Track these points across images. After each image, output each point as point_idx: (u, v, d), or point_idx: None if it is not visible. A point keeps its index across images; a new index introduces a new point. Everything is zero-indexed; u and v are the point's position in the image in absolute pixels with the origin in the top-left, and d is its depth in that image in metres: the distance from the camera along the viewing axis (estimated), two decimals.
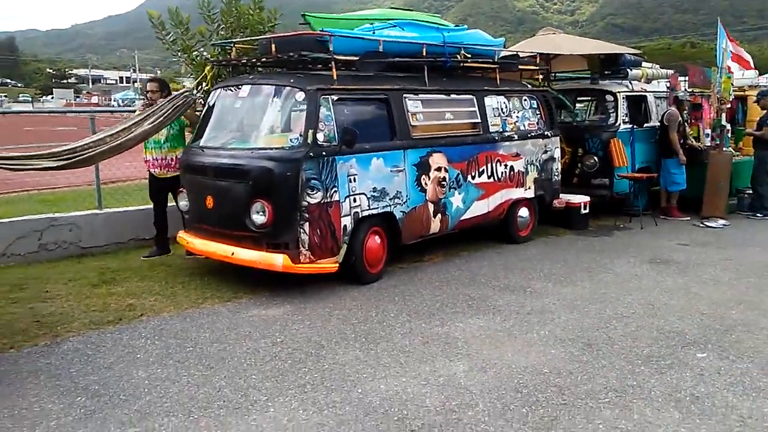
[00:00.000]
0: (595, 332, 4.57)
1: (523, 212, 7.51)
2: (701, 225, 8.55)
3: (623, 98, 8.90)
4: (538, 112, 7.72)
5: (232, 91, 5.99)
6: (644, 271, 6.25)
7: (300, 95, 5.41)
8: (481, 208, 6.93)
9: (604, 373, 3.89)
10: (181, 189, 6.06)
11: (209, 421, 3.30)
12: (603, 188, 8.76)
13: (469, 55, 6.84)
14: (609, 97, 8.98)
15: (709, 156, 9.03)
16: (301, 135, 5.28)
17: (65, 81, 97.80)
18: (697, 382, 3.77)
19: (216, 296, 5.38)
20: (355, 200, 5.57)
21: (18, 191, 10.94)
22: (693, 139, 9.37)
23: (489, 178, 6.96)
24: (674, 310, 5.05)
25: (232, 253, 5.41)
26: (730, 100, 9.61)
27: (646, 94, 9.46)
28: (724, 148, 9.16)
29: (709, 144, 9.39)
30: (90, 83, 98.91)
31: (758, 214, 9.10)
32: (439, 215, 6.44)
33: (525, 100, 7.60)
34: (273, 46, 5.70)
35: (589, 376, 3.83)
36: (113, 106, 50.76)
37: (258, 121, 5.77)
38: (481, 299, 5.32)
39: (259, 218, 5.24)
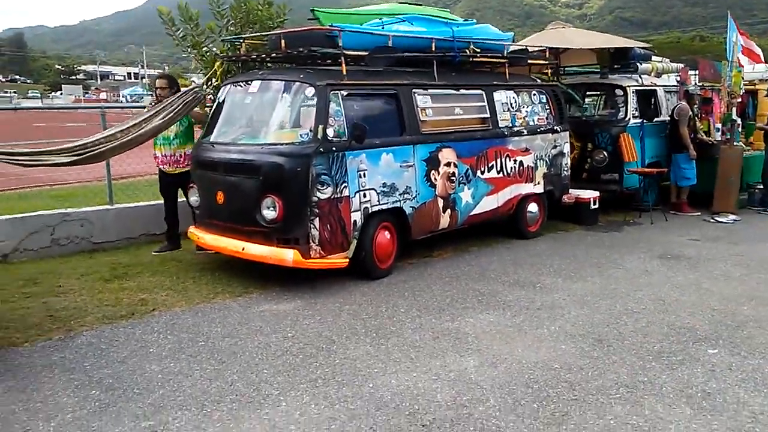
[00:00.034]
0: (605, 328, 4.57)
1: (533, 207, 7.50)
2: (712, 220, 8.51)
3: (633, 92, 8.87)
4: (547, 107, 7.70)
5: (242, 86, 6.01)
6: (654, 266, 6.23)
7: (310, 91, 5.42)
8: (490, 203, 6.93)
9: (614, 368, 3.89)
10: (191, 184, 6.09)
11: (222, 415, 3.33)
12: (613, 183, 8.74)
13: (479, 50, 6.83)
14: (619, 92, 8.94)
15: (720, 151, 8.98)
16: (311, 130, 5.30)
17: (74, 77, 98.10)
18: (709, 378, 3.77)
19: (227, 291, 5.41)
20: (365, 195, 5.58)
21: (31, 186, 11.01)
22: (703, 134, 9.32)
23: (498, 173, 6.95)
24: (685, 306, 5.04)
25: (243, 249, 5.44)
26: (741, 94, 9.55)
27: (656, 88, 9.41)
28: (734, 143, 9.11)
29: (719, 138, 9.34)
30: (98, 79, 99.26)
31: None
32: (449, 210, 6.44)
33: (534, 94, 7.58)
34: (282, 41, 5.72)
35: (599, 372, 3.84)
36: (121, 102, 50.93)
37: (268, 117, 5.78)
38: (491, 294, 5.33)
39: (269, 213, 5.26)
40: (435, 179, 6.23)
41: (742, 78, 9.50)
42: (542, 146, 7.52)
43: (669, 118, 9.12)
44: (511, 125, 7.12)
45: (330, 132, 5.33)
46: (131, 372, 3.83)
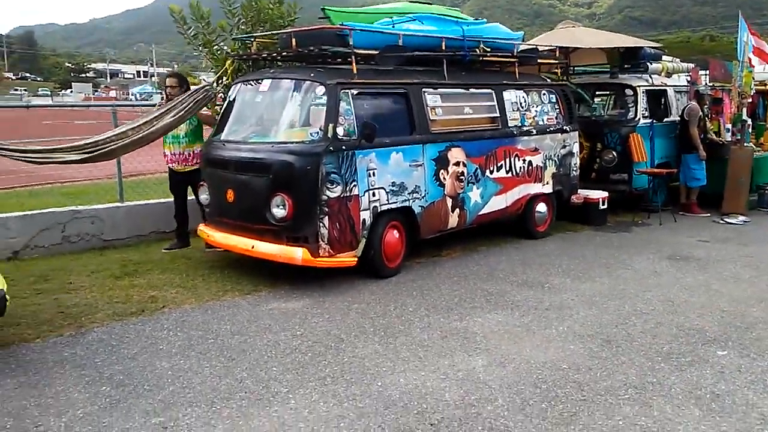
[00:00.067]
0: (614, 328, 4.57)
1: (541, 207, 7.49)
2: (721, 221, 8.47)
3: (643, 92, 8.83)
4: (556, 107, 7.69)
5: (252, 85, 6.04)
6: (663, 267, 6.22)
7: (320, 89, 5.44)
8: (499, 203, 6.92)
9: (623, 369, 3.88)
10: (202, 182, 6.12)
11: (231, 412, 3.35)
12: (622, 183, 8.71)
13: (489, 49, 6.83)
14: (629, 91, 8.91)
15: (730, 151, 8.94)
16: (321, 129, 5.31)
17: (84, 75, 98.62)
18: (718, 379, 3.76)
19: (236, 289, 5.43)
20: (374, 194, 5.59)
21: (41, 184, 11.09)
22: (713, 134, 9.28)
23: (507, 172, 6.95)
24: (694, 307, 5.02)
25: (253, 247, 5.46)
26: (751, 94, 9.50)
27: (666, 88, 9.38)
28: (744, 144, 9.06)
29: (729, 139, 9.29)
30: (108, 77, 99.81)
31: None
32: (458, 210, 6.44)
33: (544, 94, 7.57)
34: (293, 40, 5.73)
35: (608, 373, 3.83)
36: (131, 100, 51.16)
37: (278, 116, 5.80)
38: (499, 294, 5.33)
39: (279, 212, 5.28)
40: (444, 179, 6.24)
41: (753, 78, 9.45)
42: (551, 146, 7.51)
43: (679, 119, 9.08)
44: (520, 125, 7.12)
45: (340, 131, 5.34)
46: (141, 368, 3.86)
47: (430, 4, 7.22)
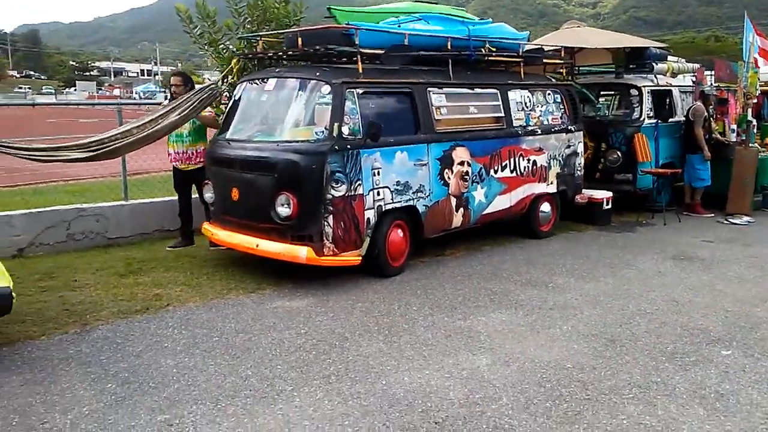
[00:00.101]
0: (618, 328, 4.57)
1: (545, 207, 7.49)
2: (725, 222, 8.46)
3: (648, 92, 8.82)
4: (561, 107, 7.68)
5: (258, 84, 6.05)
6: (668, 267, 6.21)
7: (326, 88, 5.45)
8: (503, 202, 6.92)
9: (627, 369, 3.89)
10: (206, 181, 6.13)
11: (236, 410, 3.36)
12: (626, 183, 8.70)
13: (494, 49, 6.83)
14: (633, 92, 8.90)
15: (735, 152, 8.92)
16: (326, 128, 5.32)
17: (88, 73, 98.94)
18: (722, 379, 3.76)
19: (240, 287, 5.44)
20: (378, 194, 5.60)
21: (46, 182, 11.12)
22: (719, 135, 9.26)
23: (512, 172, 6.95)
24: (698, 307, 5.02)
25: (257, 245, 5.47)
26: (757, 95, 9.48)
27: (672, 88, 9.36)
28: (749, 144, 9.04)
29: (734, 139, 9.27)
30: (112, 76, 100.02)
31: None
32: (462, 209, 6.44)
33: (549, 94, 7.57)
34: (299, 39, 5.74)
35: (612, 372, 3.84)
36: (135, 98, 51.30)
37: (283, 114, 5.81)
38: (503, 294, 5.33)
39: (283, 210, 5.28)
40: (448, 178, 6.24)
41: (759, 79, 9.42)
42: (556, 146, 7.51)
43: (684, 119, 9.06)
44: (525, 125, 7.12)
45: (345, 130, 5.35)
46: (147, 366, 3.87)
47: (436, 3, 7.22)
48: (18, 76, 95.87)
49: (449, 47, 6.32)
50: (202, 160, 6.56)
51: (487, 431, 3.17)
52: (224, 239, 5.85)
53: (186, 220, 6.83)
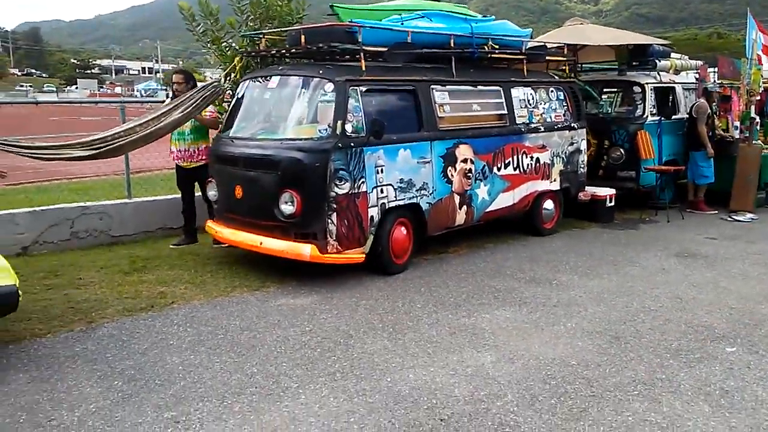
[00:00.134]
0: (622, 325, 4.57)
1: (549, 204, 7.49)
2: (729, 219, 8.45)
3: (651, 90, 8.81)
4: (564, 104, 7.68)
5: (261, 82, 6.05)
6: (671, 264, 6.21)
7: (329, 86, 5.45)
8: (506, 200, 6.92)
9: (632, 366, 3.89)
10: (210, 179, 6.14)
11: (242, 407, 3.37)
12: (629, 181, 8.70)
13: (497, 46, 6.82)
14: (637, 89, 8.89)
15: (738, 149, 8.92)
16: (329, 126, 5.32)
17: (89, 71, 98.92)
18: (727, 376, 3.76)
19: (244, 285, 5.45)
20: (382, 191, 5.60)
21: (49, 180, 11.13)
22: (722, 132, 9.25)
23: (515, 170, 6.95)
24: (703, 304, 5.02)
25: (261, 243, 5.48)
26: (760, 92, 9.47)
27: (675, 85, 9.35)
28: (753, 141, 9.03)
29: (738, 136, 9.26)
30: (113, 74, 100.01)
31: None
32: (465, 207, 6.45)
33: (552, 91, 7.56)
34: (303, 37, 5.74)
35: (617, 369, 3.84)
36: (136, 96, 51.33)
37: (287, 112, 5.81)
38: (507, 291, 5.33)
39: (287, 208, 5.29)
40: (452, 175, 6.24)
41: (762, 76, 9.42)
42: (559, 143, 7.50)
43: (687, 116, 9.05)
44: (528, 122, 7.12)
45: (348, 128, 5.35)
46: (152, 363, 3.89)
47: (439, 0, 7.21)
48: (19, 74, 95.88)
49: (452, 45, 6.31)
50: (204, 157, 6.57)
51: (493, 428, 3.18)
52: (228, 237, 5.86)
53: (189, 218, 6.84)
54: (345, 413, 3.31)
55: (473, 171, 6.46)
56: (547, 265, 6.16)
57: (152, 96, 39.18)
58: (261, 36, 6.52)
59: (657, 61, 9.15)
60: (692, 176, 9.02)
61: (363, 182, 5.43)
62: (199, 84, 6.52)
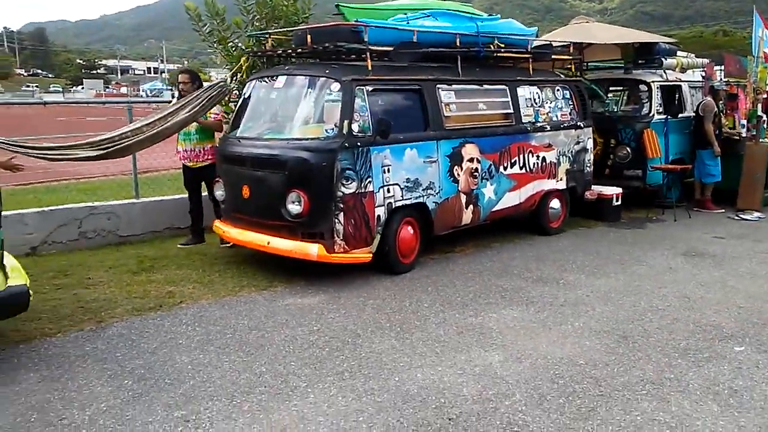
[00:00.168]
0: (630, 325, 4.57)
1: (555, 203, 7.48)
2: (736, 217, 8.43)
3: (657, 88, 8.79)
4: (570, 103, 7.67)
5: (267, 82, 6.07)
6: (679, 263, 6.20)
7: (335, 86, 5.46)
8: (512, 199, 6.92)
9: (640, 365, 3.89)
10: (217, 178, 6.16)
11: (252, 406, 3.39)
12: (636, 180, 8.68)
13: (503, 45, 6.82)
14: (643, 87, 8.88)
15: (745, 147, 8.89)
16: (336, 126, 5.33)
17: (94, 71, 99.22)
18: (736, 375, 3.76)
19: (252, 285, 5.47)
20: (388, 191, 5.61)
21: (57, 180, 11.16)
22: (729, 130, 9.22)
23: (521, 169, 6.94)
24: (711, 304, 5.01)
25: (268, 243, 5.49)
26: (767, 90, 9.42)
27: (681, 83, 9.32)
28: (760, 139, 9.00)
29: (744, 135, 9.23)
30: (119, 74, 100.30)
31: None
32: (471, 206, 6.45)
33: (557, 90, 7.55)
34: (309, 36, 5.75)
35: (625, 368, 3.84)
36: (142, 96, 51.49)
37: (293, 112, 5.83)
38: (514, 290, 5.34)
39: (294, 208, 5.30)
40: (458, 175, 6.25)
41: None
42: (565, 142, 7.50)
43: (694, 114, 9.03)
44: (534, 121, 7.11)
45: (355, 127, 5.36)
46: (162, 363, 3.91)
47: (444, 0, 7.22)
48: (25, 74, 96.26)
49: (458, 44, 6.32)
50: (209, 157, 6.59)
51: (501, 427, 3.18)
52: (235, 237, 5.88)
53: (196, 218, 6.87)
54: (354, 412, 3.32)
55: (479, 170, 6.46)
56: (553, 264, 6.16)
57: (157, 96, 39.34)
58: (267, 36, 6.53)
59: (663, 59, 9.12)
60: (699, 175, 8.99)
61: (370, 182, 5.45)
62: (205, 84, 6.54)
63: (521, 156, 6.93)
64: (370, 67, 5.60)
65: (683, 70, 9.78)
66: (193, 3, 7.13)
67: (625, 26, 12.44)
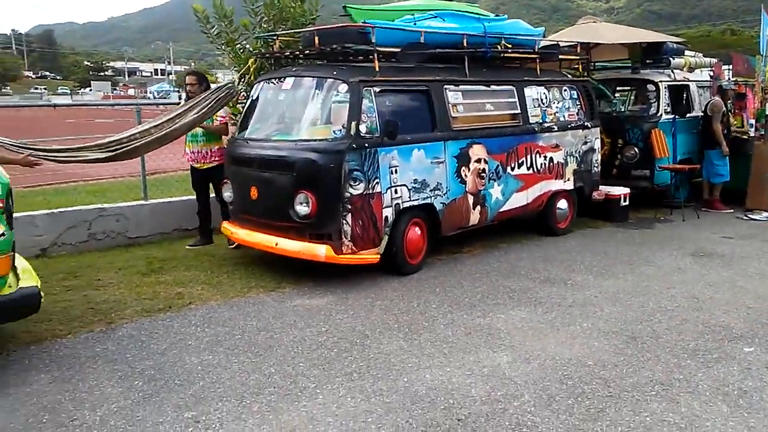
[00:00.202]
0: (638, 325, 4.56)
1: (562, 204, 7.47)
2: (745, 217, 8.39)
3: (665, 88, 8.77)
4: (578, 103, 7.66)
5: (275, 83, 6.09)
6: (687, 264, 6.18)
7: (343, 87, 5.47)
8: (520, 199, 6.92)
9: (649, 366, 3.88)
10: (225, 180, 6.18)
11: (261, 407, 3.40)
12: (643, 180, 8.66)
13: (510, 46, 6.82)
14: (650, 87, 8.86)
15: (754, 147, 8.85)
16: (344, 127, 5.34)
17: (102, 73, 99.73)
18: (745, 376, 3.75)
19: (260, 286, 5.49)
20: (396, 192, 5.62)
21: (66, 182, 11.23)
22: (737, 129, 9.18)
23: (528, 169, 6.94)
24: (720, 304, 5.00)
25: (276, 244, 5.51)
26: None
27: (689, 83, 9.29)
28: None
29: (753, 134, 9.19)
30: (126, 75, 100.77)
31: None
32: (479, 207, 6.45)
33: (565, 90, 7.54)
34: (316, 38, 5.77)
35: (634, 369, 3.84)
36: (149, 98, 51.67)
37: (301, 113, 5.85)
38: (522, 291, 5.34)
39: (302, 209, 5.32)
40: (465, 175, 6.25)
41: None
42: (573, 142, 7.49)
43: (702, 114, 9.00)
44: (541, 121, 7.11)
45: (362, 128, 5.37)
46: (172, 364, 3.93)
47: (451, 0, 7.22)
48: (33, 76, 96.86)
49: (465, 44, 6.32)
50: (217, 158, 6.62)
51: (510, 428, 3.19)
52: (243, 238, 5.90)
53: (204, 219, 6.90)
54: (362, 413, 3.33)
55: (487, 171, 6.46)
56: (561, 264, 6.15)
57: (165, 97, 39.48)
58: (275, 37, 6.55)
59: (671, 58, 9.10)
60: (707, 175, 8.96)
61: (377, 183, 5.46)
62: (213, 86, 6.57)
63: (529, 156, 6.92)
64: (377, 68, 5.61)
65: (691, 69, 9.74)
66: (201, 5, 7.15)
67: (632, 26, 12.41)
